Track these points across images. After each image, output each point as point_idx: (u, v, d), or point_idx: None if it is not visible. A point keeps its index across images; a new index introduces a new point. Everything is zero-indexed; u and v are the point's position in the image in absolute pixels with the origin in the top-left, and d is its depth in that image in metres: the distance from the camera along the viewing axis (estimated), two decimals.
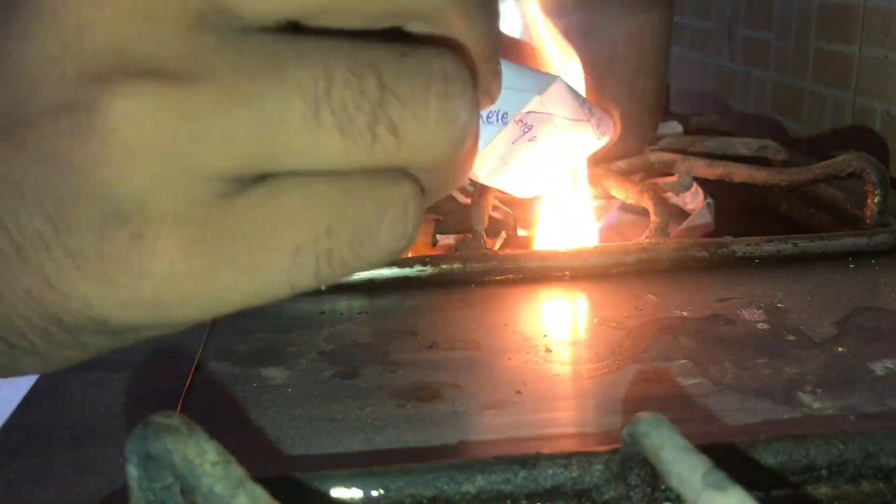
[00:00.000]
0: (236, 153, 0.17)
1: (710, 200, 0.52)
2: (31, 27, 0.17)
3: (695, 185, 0.52)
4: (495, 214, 0.49)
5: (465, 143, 0.19)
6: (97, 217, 0.17)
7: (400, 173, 0.19)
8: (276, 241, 0.18)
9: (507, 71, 0.28)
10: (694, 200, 0.53)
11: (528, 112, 0.34)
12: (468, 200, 0.49)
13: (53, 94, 0.17)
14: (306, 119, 0.17)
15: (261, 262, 0.18)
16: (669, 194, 0.52)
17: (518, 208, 0.51)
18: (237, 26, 0.17)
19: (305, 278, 0.19)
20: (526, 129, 0.34)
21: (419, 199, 0.19)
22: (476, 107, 0.19)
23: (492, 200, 0.46)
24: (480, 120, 0.25)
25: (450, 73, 0.18)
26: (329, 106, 0.17)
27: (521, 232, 0.50)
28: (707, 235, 0.51)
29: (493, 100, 0.23)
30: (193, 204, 0.17)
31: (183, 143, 0.17)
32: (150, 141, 0.16)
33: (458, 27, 0.20)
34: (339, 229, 0.19)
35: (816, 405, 0.30)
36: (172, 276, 0.18)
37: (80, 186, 0.17)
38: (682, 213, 0.54)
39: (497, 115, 0.32)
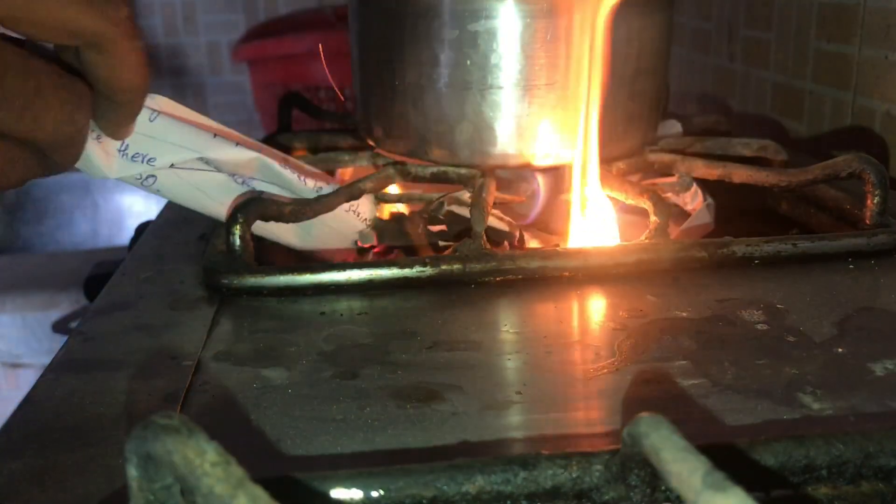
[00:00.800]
0: None
1: (709, 201, 0.52)
2: None
3: (695, 185, 0.52)
4: (500, 225, 0.49)
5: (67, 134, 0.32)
6: None
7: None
8: None
9: (180, 130, 0.42)
10: (694, 201, 0.53)
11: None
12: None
13: None
14: None
15: None
16: (669, 195, 0.52)
17: (521, 217, 0.51)
18: None
19: None
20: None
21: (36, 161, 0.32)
22: (81, 124, 0.33)
23: (492, 201, 0.46)
24: (124, 156, 0.40)
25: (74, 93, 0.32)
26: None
27: (532, 244, 0.50)
28: (707, 236, 0.51)
29: (118, 133, 0.38)
30: None
31: None
32: None
33: (106, 69, 0.32)
34: None
35: (816, 406, 0.30)
36: None
37: None
38: (683, 214, 0.54)
39: (143, 157, 0.41)
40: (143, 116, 0.41)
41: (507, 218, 0.50)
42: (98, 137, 0.38)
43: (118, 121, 0.36)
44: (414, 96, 0.48)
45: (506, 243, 0.49)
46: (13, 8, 0.29)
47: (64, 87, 0.32)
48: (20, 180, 0.32)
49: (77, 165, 0.38)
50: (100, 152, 0.39)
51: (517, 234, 0.49)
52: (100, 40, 0.32)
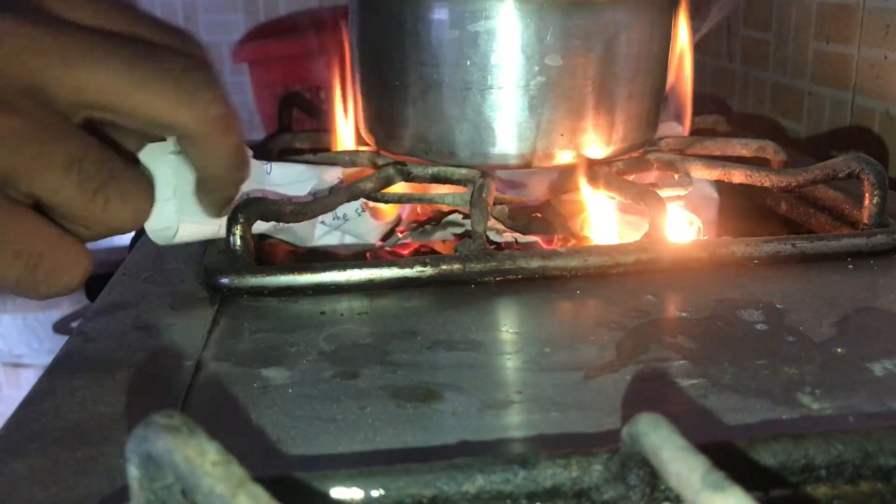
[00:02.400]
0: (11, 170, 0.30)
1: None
2: None
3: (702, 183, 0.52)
4: (508, 237, 0.49)
5: (134, 227, 0.34)
6: None
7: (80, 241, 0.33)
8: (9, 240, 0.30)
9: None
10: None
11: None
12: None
13: None
14: (64, 171, 0.31)
15: None
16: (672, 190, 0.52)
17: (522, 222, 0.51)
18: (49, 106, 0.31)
19: (14, 276, 0.31)
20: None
21: (90, 259, 0.33)
22: (144, 205, 0.34)
23: (492, 201, 0.46)
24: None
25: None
26: (79, 169, 0.31)
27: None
28: (706, 236, 0.51)
29: (212, 213, 0.39)
30: None
31: None
32: None
33: (198, 160, 0.35)
34: (46, 256, 0.31)
35: (815, 405, 0.30)
36: None
37: None
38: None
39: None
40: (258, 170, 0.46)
41: (509, 231, 0.50)
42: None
43: (210, 203, 0.39)
44: (414, 96, 0.49)
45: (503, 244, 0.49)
46: (112, 97, 0.31)
47: (134, 177, 0.34)
48: (81, 282, 0.33)
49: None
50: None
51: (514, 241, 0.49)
52: (191, 134, 0.34)
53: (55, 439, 0.29)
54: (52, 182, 0.31)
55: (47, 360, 0.37)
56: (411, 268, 0.41)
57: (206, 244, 0.47)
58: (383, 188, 0.49)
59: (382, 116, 0.51)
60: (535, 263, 0.41)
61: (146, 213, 0.35)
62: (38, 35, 0.30)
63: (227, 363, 0.34)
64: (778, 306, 0.38)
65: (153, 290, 0.42)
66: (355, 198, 0.48)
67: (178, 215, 0.39)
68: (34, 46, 0.30)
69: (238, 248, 0.41)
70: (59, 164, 0.31)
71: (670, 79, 0.55)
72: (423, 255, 0.44)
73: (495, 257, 0.41)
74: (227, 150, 0.35)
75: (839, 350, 0.34)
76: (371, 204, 0.50)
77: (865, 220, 0.45)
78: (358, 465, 0.23)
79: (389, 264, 0.41)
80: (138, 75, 0.32)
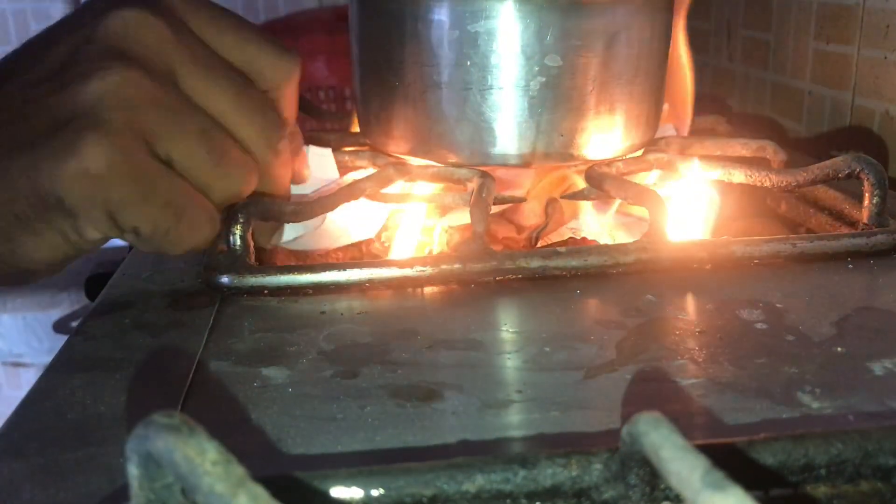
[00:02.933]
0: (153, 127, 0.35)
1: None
2: None
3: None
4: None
5: (244, 195, 0.40)
6: (67, 122, 0.34)
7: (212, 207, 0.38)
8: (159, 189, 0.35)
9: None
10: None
11: None
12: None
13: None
14: (197, 137, 0.36)
15: (143, 196, 0.35)
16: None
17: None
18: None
19: (164, 225, 0.36)
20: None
21: (217, 222, 0.39)
22: (252, 177, 0.40)
23: (492, 201, 0.46)
24: None
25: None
26: (209, 137, 0.37)
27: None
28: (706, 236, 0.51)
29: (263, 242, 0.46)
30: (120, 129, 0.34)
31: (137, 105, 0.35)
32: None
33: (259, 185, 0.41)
34: (188, 210, 0.36)
35: (815, 405, 0.30)
36: (93, 160, 0.33)
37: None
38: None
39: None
40: None
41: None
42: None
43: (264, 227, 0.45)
44: (414, 96, 0.49)
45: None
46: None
47: (244, 154, 0.39)
48: (211, 239, 0.39)
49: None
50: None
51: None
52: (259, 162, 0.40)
53: (55, 439, 0.29)
54: (188, 146, 0.36)
55: (47, 359, 0.37)
56: (411, 267, 0.41)
57: None
58: (383, 188, 0.49)
59: (382, 116, 0.51)
60: (535, 263, 0.41)
61: (251, 186, 0.40)
62: (173, 35, 0.37)
63: (227, 362, 0.34)
64: (778, 306, 0.38)
65: (153, 289, 0.42)
66: (355, 198, 0.48)
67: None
68: (171, 41, 0.37)
69: (238, 247, 0.41)
70: (193, 131, 0.36)
71: (669, 80, 0.55)
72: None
73: (495, 257, 0.41)
74: (282, 172, 0.42)
75: (839, 349, 0.34)
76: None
77: (865, 220, 0.45)
78: (358, 465, 0.23)
79: (389, 264, 0.41)
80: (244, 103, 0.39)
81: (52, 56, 0.37)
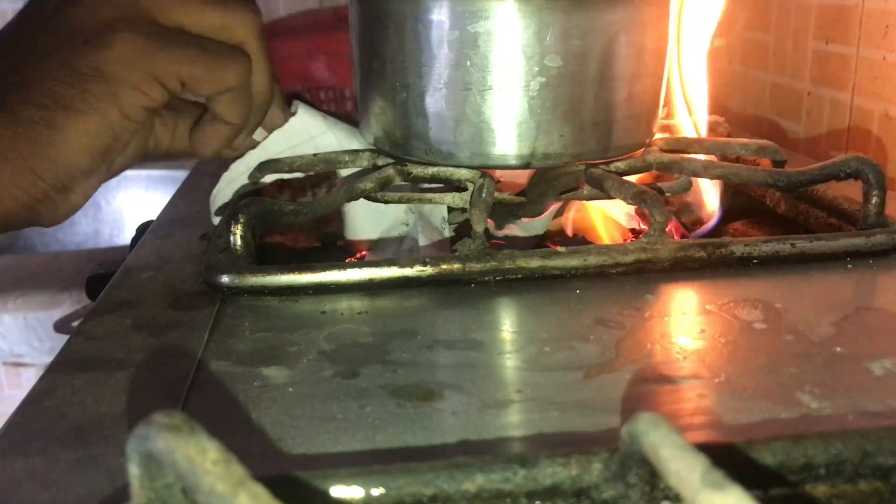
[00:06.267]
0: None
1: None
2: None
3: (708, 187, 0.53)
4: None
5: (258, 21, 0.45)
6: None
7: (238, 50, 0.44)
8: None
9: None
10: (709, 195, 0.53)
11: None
12: None
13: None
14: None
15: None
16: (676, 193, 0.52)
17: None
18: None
19: (198, 60, 0.42)
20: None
21: (246, 56, 0.44)
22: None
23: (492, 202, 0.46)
24: None
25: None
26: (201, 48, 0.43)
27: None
28: (706, 236, 0.51)
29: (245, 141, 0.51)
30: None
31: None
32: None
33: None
34: (210, 45, 0.43)
35: (815, 405, 0.30)
36: (130, 40, 0.40)
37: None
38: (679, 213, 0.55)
39: None
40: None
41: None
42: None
43: (251, 127, 0.49)
44: (414, 96, 0.49)
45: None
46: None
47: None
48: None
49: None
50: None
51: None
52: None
53: (55, 439, 0.29)
54: (191, 6, 0.42)
55: (48, 359, 0.37)
56: (411, 267, 0.41)
57: (207, 244, 0.47)
58: (383, 188, 0.49)
59: (382, 116, 0.51)
60: (534, 263, 0.41)
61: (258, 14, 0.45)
62: None
63: (228, 362, 0.34)
64: (777, 306, 0.38)
65: (154, 289, 0.42)
66: (355, 198, 0.48)
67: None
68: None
69: (238, 247, 0.41)
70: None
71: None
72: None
73: (495, 257, 0.41)
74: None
75: (838, 349, 0.34)
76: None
77: (864, 221, 0.45)
78: (358, 464, 0.23)
79: (389, 263, 0.41)
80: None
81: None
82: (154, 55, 0.40)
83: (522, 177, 0.52)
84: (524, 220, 0.51)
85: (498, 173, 0.50)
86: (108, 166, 0.42)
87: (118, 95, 0.40)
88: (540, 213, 0.51)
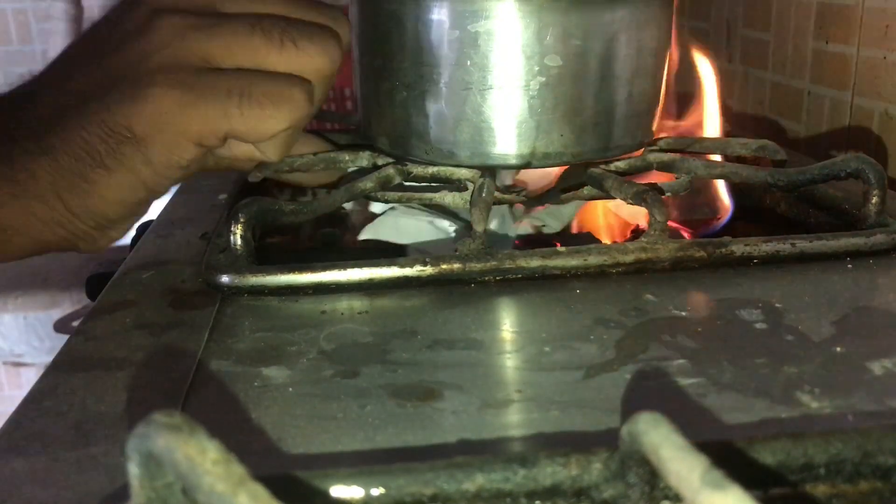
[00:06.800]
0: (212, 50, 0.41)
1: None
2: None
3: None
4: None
5: (334, 65, 0.43)
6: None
7: (297, 78, 0.42)
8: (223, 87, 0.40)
9: None
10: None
11: None
12: None
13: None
14: (248, 33, 0.41)
15: (210, 98, 0.40)
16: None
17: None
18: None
19: (236, 113, 0.40)
20: None
21: (306, 92, 0.42)
22: (339, 48, 0.44)
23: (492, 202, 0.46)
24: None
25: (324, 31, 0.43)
26: (260, 28, 0.41)
27: None
28: (706, 235, 0.51)
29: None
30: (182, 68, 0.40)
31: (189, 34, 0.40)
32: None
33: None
34: (256, 89, 0.40)
35: (815, 404, 0.30)
36: (164, 96, 0.39)
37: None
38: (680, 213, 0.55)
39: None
40: None
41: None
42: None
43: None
44: (414, 96, 0.49)
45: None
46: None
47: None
48: (301, 118, 0.43)
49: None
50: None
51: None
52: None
53: (55, 438, 0.29)
54: (240, 45, 0.40)
55: (48, 359, 0.37)
56: (411, 267, 0.41)
57: (207, 243, 0.47)
58: (383, 188, 0.49)
59: (382, 116, 0.51)
60: (534, 263, 0.41)
61: (337, 52, 0.43)
62: None
63: (228, 362, 0.34)
64: (777, 305, 0.38)
65: (154, 289, 0.42)
66: (355, 198, 0.48)
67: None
68: None
69: (238, 247, 0.41)
70: (241, 31, 0.40)
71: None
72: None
73: (495, 257, 0.41)
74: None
75: (838, 349, 0.34)
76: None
77: (865, 220, 0.45)
78: (358, 464, 0.23)
79: (389, 263, 0.41)
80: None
81: (104, 25, 0.42)
82: (187, 115, 0.39)
83: (549, 176, 0.52)
84: (549, 206, 0.51)
85: (522, 177, 0.51)
86: (147, 207, 0.43)
87: (150, 157, 0.40)
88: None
